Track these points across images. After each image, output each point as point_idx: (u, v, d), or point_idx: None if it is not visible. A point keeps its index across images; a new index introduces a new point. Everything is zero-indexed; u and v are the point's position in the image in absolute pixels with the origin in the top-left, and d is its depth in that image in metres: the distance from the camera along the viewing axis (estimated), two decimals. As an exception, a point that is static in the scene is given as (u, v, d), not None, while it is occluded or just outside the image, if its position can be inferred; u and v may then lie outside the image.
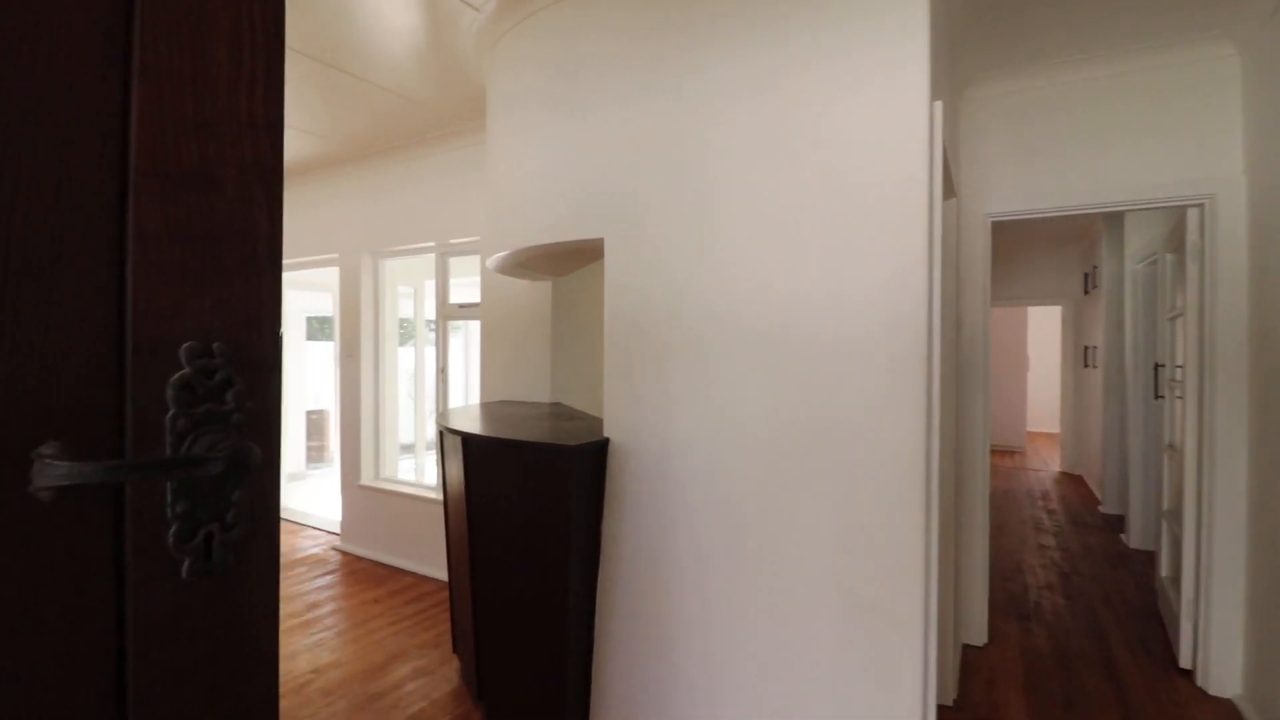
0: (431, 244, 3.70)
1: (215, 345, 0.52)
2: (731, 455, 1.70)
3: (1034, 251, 6.63)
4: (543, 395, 3.04)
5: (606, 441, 1.92)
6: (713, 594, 1.73)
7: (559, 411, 2.66)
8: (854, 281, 1.56)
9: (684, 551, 1.77)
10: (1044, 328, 8.98)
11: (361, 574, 3.67)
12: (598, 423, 2.16)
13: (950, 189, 2.21)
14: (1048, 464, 7.14)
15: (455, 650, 2.58)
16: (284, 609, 3.15)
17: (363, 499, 4.00)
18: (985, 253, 2.72)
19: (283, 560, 3.88)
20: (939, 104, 1.54)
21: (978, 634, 2.76)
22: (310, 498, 5.33)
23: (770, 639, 1.66)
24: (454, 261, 3.86)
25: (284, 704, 2.32)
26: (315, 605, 3.21)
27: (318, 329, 7.24)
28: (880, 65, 1.54)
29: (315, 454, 7.02)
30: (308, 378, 6.90)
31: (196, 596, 0.51)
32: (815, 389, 1.60)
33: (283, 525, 4.63)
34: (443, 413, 2.59)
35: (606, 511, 1.92)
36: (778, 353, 1.65)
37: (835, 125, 1.59)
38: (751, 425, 1.68)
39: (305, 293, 6.33)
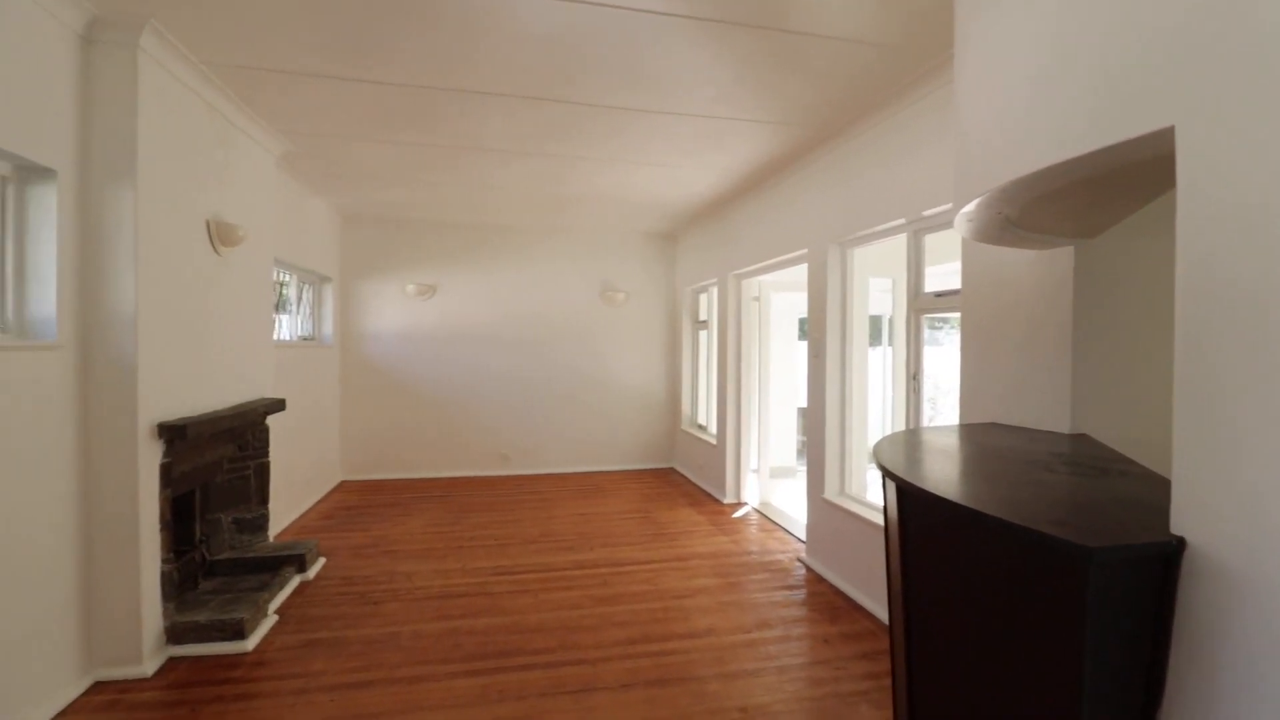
0: (900, 221, 3.01)
1: None
2: None
3: None
4: (1058, 421, 2.00)
5: (1177, 546, 0.94)
6: None
7: (1082, 454, 1.64)
8: None
9: None
10: None
11: (819, 599, 3.30)
12: (1161, 488, 1.13)
13: None
14: None
15: (900, 765, 1.90)
16: (736, 619, 3.05)
17: (826, 513, 3.63)
18: None
19: (748, 562, 3.87)
20: None
21: None
22: (792, 497, 5.32)
23: None
24: (937, 243, 3.06)
25: (703, 740, 2.13)
26: (766, 624, 3.00)
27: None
28: None
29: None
30: (799, 376, 7.05)
31: None
32: None
33: (758, 522, 4.71)
34: (890, 436, 1.93)
35: (1174, 693, 0.94)
36: None
37: None
38: None
39: (795, 294, 6.42)
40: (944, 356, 4.33)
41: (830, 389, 3.66)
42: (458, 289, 6.33)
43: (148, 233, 2.50)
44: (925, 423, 3.33)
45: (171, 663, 2.58)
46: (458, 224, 6.27)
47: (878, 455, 1.60)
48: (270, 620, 2.97)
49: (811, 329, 3.85)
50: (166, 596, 2.66)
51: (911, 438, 1.97)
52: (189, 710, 2.23)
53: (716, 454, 5.51)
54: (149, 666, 2.48)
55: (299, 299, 5.48)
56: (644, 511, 5.05)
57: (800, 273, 4.50)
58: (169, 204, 2.68)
